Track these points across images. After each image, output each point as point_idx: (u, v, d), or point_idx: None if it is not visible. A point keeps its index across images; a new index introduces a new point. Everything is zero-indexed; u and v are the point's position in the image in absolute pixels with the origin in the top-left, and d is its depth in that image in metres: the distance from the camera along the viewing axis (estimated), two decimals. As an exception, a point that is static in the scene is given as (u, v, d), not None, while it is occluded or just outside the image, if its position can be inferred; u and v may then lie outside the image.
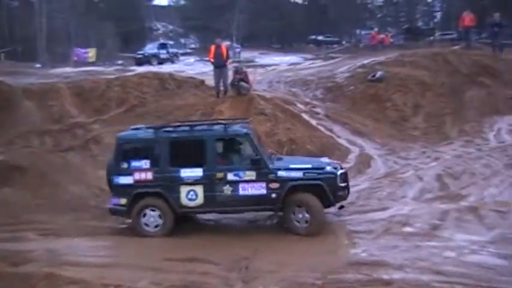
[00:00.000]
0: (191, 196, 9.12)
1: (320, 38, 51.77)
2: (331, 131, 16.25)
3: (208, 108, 15.89)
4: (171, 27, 63.51)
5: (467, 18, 23.89)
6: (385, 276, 6.93)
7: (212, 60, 16.98)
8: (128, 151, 9.36)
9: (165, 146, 9.26)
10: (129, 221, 9.43)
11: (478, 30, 29.82)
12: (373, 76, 19.57)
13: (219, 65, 16.75)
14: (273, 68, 28.94)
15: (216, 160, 9.22)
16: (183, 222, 9.49)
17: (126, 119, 14.86)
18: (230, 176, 9.05)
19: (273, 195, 9.00)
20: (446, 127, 16.75)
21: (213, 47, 17.01)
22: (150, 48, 37.90)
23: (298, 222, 9.01)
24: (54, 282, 6.94)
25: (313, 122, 16.65)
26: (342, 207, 9.62)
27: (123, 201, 9.26)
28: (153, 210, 9.19)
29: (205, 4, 53.78)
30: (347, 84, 19.96)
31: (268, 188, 9.01)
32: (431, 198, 10.70)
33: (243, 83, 16.50)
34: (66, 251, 8.37)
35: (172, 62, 35.52)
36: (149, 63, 33.39)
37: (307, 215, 8.93)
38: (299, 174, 9.06)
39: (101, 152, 13.39)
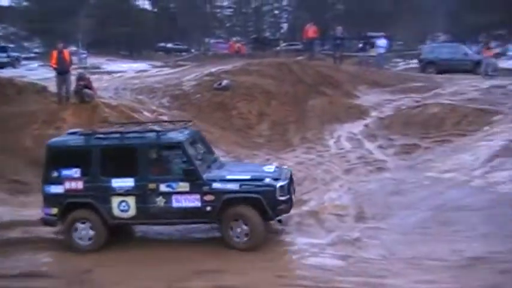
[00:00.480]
0: (123, 207, 8.53)
1: (169, 45, 51.92)
2: (176, 138, 15.89)
3: (51, 116, 15.03)
4: (12, 29, 59.33)
5: (311, 30, 24.94)
6: (230, 283, 7.13)
7: (54, 66, 16.25)
8: (58, 159, 8.82)
9: (95, 154, 8.62)
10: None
11: (321, 42, 31.42)
12: (220, 84, 19.62)
13: (62, 71, 16.15)
14: (119, 75, 28.11)
15: (149, 170, 8.60)
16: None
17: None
18: (163, 187, 8.47)
19: (208, 208, 8.41)
20: (289, 134, 17.09)
21: (54, 53, 16.31)
22: (-12, 52, 34.96)
23: (238, 237, 8.39)
24: None
25: (158, 129, 16.19)
26: (280, 221, 9.04)
27: (55, 210, 8.76)
28: (83, 223, 8.64)
29: (50, 7, 50.57)
30: (194, 92, 19.82)
31: (202, 201, 8.41)
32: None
33: (86, 90, 15.83)
34: None
35: (14, 66, 33.52)
36: (-13, 67, 30.70)
37: (245, 227, 8.33)
38: (235, 186, 8.41)
39: None
